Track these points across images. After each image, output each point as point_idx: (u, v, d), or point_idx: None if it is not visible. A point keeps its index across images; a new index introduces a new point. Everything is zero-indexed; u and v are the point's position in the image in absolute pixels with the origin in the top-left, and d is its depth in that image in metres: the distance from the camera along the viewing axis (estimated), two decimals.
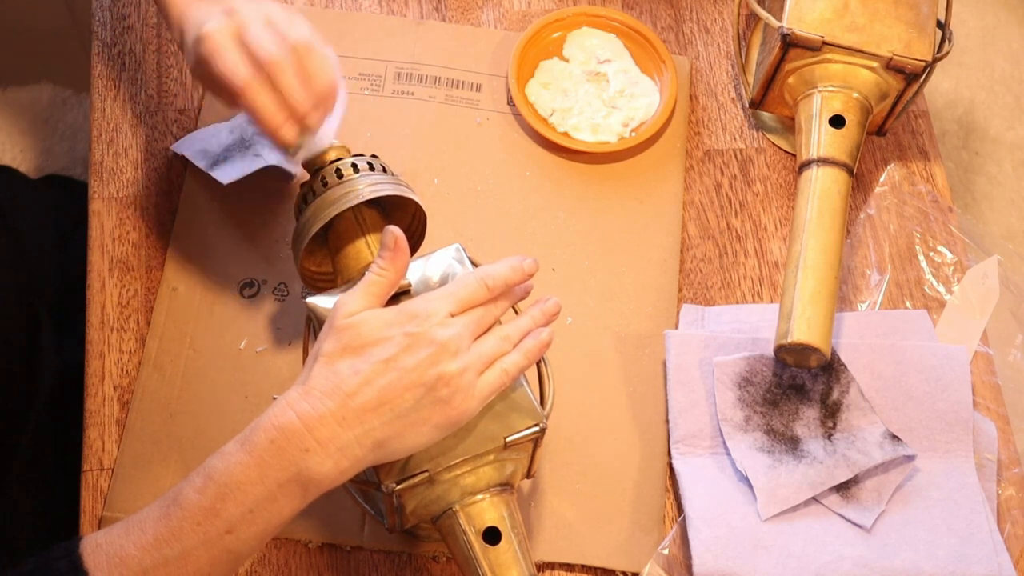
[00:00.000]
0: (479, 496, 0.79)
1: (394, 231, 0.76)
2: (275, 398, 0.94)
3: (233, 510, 0.70)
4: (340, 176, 0.87)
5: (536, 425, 0.79)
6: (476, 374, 0.74)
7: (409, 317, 0.73)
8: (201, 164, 1.02)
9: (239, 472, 0.70)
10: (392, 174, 0.89)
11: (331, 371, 0.72)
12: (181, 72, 1.09)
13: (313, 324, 0.83)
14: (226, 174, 1.00)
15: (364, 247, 0.87)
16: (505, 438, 0.78)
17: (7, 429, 0.98)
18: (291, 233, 1.03)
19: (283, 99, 0.83)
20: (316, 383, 0.72)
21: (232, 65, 0.82)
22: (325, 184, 0.87)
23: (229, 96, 0.84)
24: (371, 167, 0.88)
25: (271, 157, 1.00)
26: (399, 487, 0.77)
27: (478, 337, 0.76)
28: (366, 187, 0.85)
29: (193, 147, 1.03)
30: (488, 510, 0.79)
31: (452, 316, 0.75)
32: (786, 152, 1.09)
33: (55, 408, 1.04)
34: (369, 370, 0.72)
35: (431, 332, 0.73)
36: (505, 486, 0.80)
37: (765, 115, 1.10)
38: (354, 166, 0.87)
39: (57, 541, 0.72)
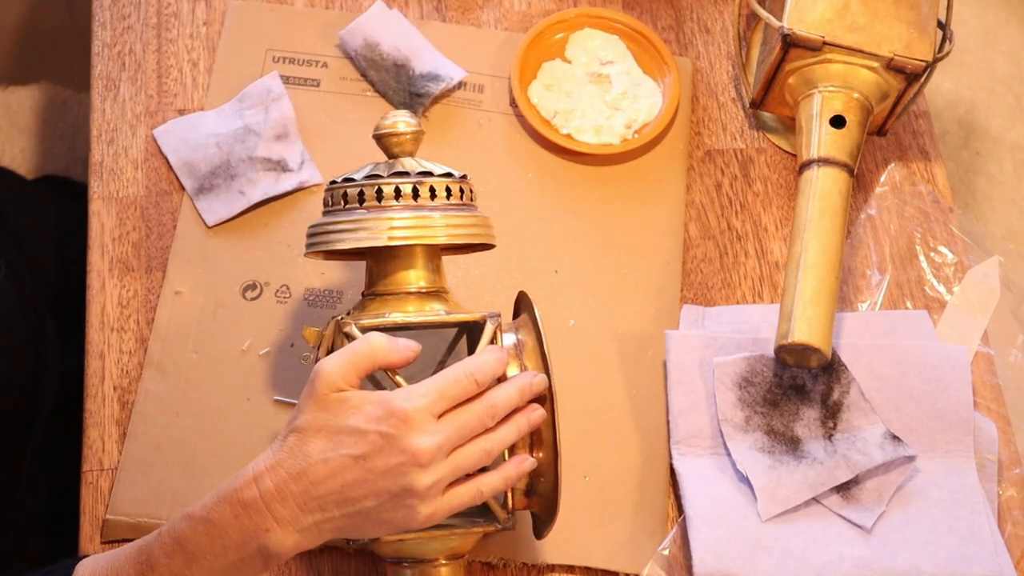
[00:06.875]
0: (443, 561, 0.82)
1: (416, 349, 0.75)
2: (276, 399, 0.94)
3: (199, 575, 0.73)
4: (416, 196, 0.80)
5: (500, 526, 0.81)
6: (447, 486, 0.74)
7: (389, 414, 0.72)
8: (187, 185, 1.02)
9: (205, 542, 0.72)
10: (471, 200, 0.83)
11: (302, 453, 0.72)
12: (181, 72, 1.09)
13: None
14: (213, 212, 1.01)
15: (412, 276, 0.83)
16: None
17: (14, 433, 0.98)
18: (292, 235, 1.02)
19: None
20: (285, 461, 0.72)
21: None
22: (398, 195, 0.80)
23: None
24: (448, 192, 0.81)
25: (254, 194, 1.01)
26: (356, 544, 0.82)
27: (459, 446, 0.74)
28: (442, 225, 0.80)
29: (178, 150, 1.03)
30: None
31: (438, 418, 0.73)
32: (787, 152, 1.09)
33: (60, 411, 1.04)
34: (338, 462, 0.72)
35: (407, 439, 0.71)
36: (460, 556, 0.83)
37: (766, 115, 1.10)
38: (447, 190, 0.81)
39: (65, 544, 0.73)
